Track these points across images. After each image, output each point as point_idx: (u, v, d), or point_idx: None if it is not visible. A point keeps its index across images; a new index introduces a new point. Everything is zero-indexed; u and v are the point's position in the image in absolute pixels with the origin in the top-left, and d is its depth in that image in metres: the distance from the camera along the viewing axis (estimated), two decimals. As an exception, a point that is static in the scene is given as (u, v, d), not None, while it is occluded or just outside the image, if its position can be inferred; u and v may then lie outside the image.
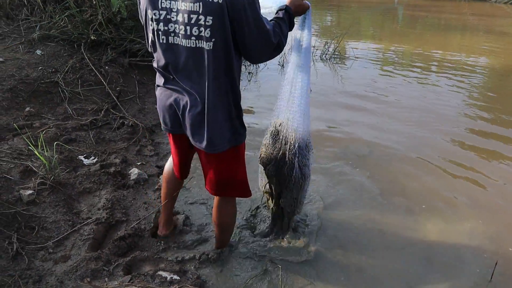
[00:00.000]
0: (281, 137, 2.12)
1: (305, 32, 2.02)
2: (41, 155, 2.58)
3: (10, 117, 3.32)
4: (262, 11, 1.69)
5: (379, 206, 2.82)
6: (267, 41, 1.69)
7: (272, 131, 2.17)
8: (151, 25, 1.68)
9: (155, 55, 1.79)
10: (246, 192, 2.07)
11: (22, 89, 3.61)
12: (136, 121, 3.72)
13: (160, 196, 2.59)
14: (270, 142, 2.17)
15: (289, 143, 2.09)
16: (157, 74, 1.85)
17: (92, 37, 4.25)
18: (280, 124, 2.12)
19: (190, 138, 1.84)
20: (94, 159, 3.06)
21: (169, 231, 2.42)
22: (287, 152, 2.11)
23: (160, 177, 3.02)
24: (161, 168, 3.19)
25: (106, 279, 1.96)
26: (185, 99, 1.74)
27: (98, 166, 2.94)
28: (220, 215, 2.12)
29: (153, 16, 1.64)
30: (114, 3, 4.41)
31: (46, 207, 2.41)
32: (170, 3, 1.60)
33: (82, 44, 4.34)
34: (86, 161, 3.01)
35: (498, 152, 3.60)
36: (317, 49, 6.80)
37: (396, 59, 7.05)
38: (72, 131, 3.39)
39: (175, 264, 2.17)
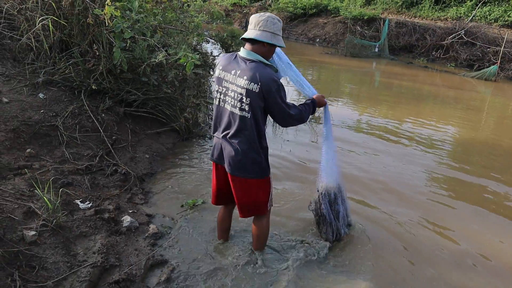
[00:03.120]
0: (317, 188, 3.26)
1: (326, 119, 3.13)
2: (46, 198, 2.80)
3: (12, 156, 3.54)
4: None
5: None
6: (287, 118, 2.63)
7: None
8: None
9: None
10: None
11: (24, 130, 3.84)
12: (128, 169, 3.98)
13: (149, 244, 2.94)
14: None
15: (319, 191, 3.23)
16: None
17: (93, 86, 4.56)
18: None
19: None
20: (89, 204, 3.29)
21: None
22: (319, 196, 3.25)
23: (149, 225, 3.27)
24: (150, 216, 3.45)
25: (102, 320, 2.16)
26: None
27: (93, 211, 3.16)
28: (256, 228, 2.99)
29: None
30: (116, 56, 4.77)
31: (47, 248, 2.62)
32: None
33: (83, 91, 4.64)
34: (82, 205, 3.24)
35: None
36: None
37: (370, 127, 7.56)
38: (69, 174, 3.62)
39: (163, 310, 2.39)
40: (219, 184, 2.90)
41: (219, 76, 2.62)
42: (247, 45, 2.57)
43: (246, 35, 2.54)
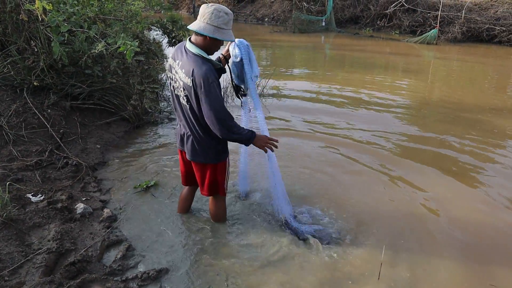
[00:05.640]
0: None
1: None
2: (-6, 194, 2.86)
3: (-44, 160, 3.54)
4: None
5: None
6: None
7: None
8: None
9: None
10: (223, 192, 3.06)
11: (-33, 133, 3.83)
12: (79, 160, 4.05)
13: (104, 227, 3.07)
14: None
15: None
16: None
17: (35, 83, 4.54)
18: None
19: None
20: (41, 196, 3.36)
21: None
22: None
23: (104, 210, 3.38)
24: (104, 202, 3.55)
25: (60, 297, 2.30)
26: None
27: (45, 203, 3.24)
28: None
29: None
30: (55, 51, 4.73)
31: (0, 241, 2.70)
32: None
33: (25, 89, 4.61)
34: (34, 199, 3.30)
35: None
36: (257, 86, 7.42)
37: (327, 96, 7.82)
38: (18, 171, 3.66)
39: (120, 283, 2.55)
40: (186, 168, 3.09)
41: (170, 64, 2.74)
42: (193, 37, 2.59)
43: (191, 26, 2.55)
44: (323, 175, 4.22)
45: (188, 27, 2.61)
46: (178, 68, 2.60)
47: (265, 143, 2.79)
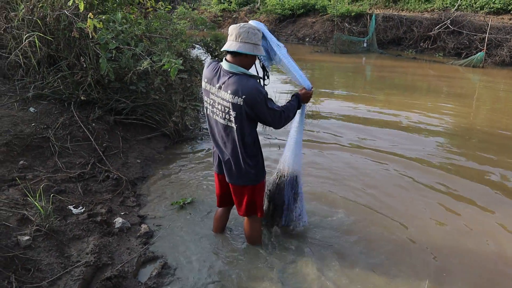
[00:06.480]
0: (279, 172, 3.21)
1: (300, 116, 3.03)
2: (39, 205, 2.93)
3: (5, 169, 3.67)
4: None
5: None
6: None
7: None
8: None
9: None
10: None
11: (17, 143, 3.98)
12: (120, 175, 4.12)
13: (141, 242, 3.08)
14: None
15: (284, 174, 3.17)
16: None
17: (82, 98, 4.70)
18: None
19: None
20: (82, 209, 3.42)
21: None
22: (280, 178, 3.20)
23: (141, 225, 3.40)
24: (142, 217, 3.58)
25: (95, 313, 2.29)
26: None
27: (86, 215, 3.30)
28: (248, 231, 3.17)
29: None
30: (103, 67, 4.91)
31: (41, 251, 2.75)
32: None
33: (72, 102, 4.78)
34: (75, 211, 3.37)
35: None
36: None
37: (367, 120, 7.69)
38: (62, 182, 3.75)
39: (154, 301, 2.52)
40: (222, 190, 3.08)
41: (206, 88, 2.70)
42: (229, 57, 2.57)
43: (228, 47, 2.53)
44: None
45: (225, 48, 2.56)
46: (221, 91, 2.56)
47: (310, 97, 2.97)
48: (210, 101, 2.70)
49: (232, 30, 2.54)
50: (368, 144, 5.74)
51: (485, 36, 14.03)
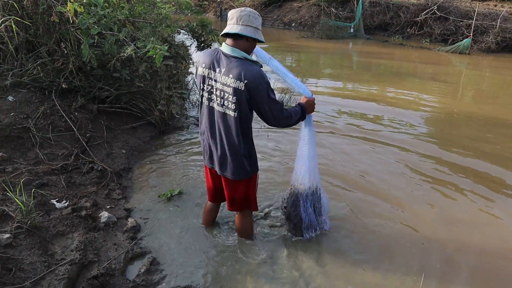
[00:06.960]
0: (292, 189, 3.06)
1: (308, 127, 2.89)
2: (19, 201, 2.79)
3: (-17, 162, 3.50)
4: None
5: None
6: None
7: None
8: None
9: None
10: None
11: (-5, 134, 3.80)
12: (104, 166, 3.97)
13: (128, 237, 2.97)
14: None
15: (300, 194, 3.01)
16: None
17: (63, 86, 4.51)
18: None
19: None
20: (65, 202, 3.29)
21: None
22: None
23: (128, 219, 3.28)
24: (129, 211, 3.46)
25: (81, 314, 2.19)
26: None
27: (69, 209, 3.16)
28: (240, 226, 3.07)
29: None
30: (85, 53, 4.71)
31: (23, 250, 2.62)
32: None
33: (53, 91, 4.58)
34: (58, 205, 3.23)
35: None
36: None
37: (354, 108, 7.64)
38: (44, 175, 3.60)
39: (143, 300, 2.42)
40: (214, 184, 2.96)
41: (203, 74, 2.58)
42: (229, 41, 2.51)
43: (229, 30, 2.47)
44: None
45: (226, 31, 2.50)
46: (222, 75, 2.47)
47: (314, 107, 2.85)
48: (207, 88, 2.57)
49: (233, 13, 2.50)
50: (357, 129, 5.75)
51: (472, 23, 14.05)
